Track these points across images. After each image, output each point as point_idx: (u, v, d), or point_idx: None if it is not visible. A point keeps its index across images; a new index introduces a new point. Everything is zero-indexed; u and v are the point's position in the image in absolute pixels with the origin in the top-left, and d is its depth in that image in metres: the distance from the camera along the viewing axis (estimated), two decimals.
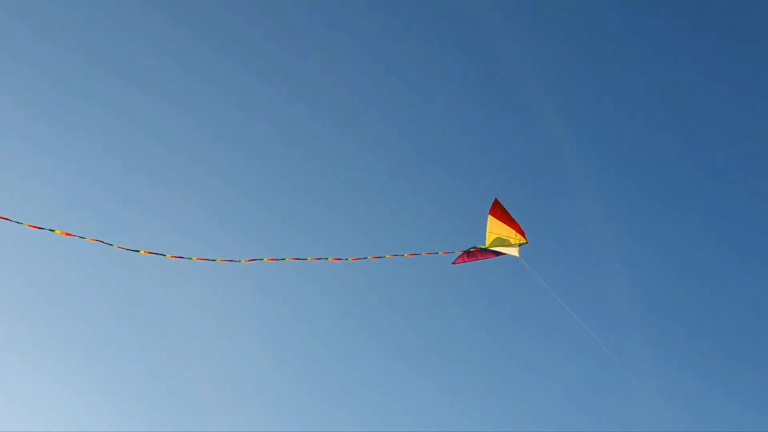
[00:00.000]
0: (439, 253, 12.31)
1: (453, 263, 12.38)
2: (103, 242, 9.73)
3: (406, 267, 20.05)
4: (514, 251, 12.40)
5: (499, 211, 12.41)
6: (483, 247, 12.45)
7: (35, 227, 9.25)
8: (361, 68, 21.20)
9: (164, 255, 10.15)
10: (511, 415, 19.73)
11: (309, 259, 11.41)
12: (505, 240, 12.43)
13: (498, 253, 12.48)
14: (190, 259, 10.60)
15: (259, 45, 20.77)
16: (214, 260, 10.70)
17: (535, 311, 20.30)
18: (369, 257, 11.88)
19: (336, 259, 11.64)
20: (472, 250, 12.45)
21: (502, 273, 20.03)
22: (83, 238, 9.48)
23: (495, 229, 12.44)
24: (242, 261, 10.92)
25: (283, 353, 20.40)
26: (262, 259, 11.04)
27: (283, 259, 11.19)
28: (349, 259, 11.75)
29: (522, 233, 12.38)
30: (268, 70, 20.69)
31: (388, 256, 12.03)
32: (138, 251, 10.07)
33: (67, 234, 9.40)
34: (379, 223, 21.23)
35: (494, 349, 20.51)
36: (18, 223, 9.16)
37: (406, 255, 12.10)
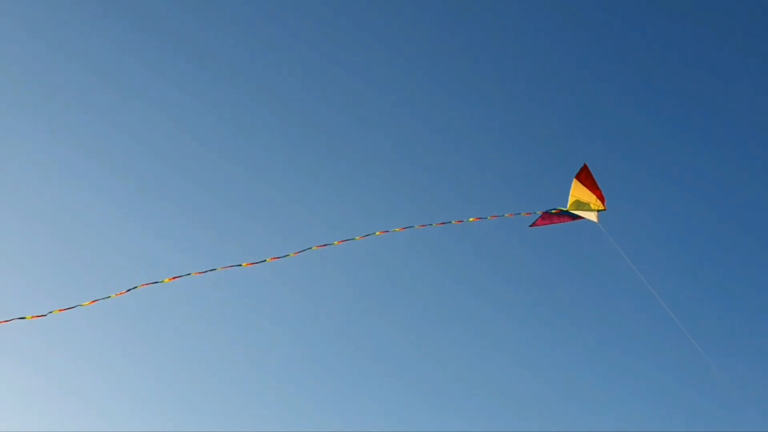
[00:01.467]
0: (522, 213, 12.84)
1: (530, 226, 12.87)
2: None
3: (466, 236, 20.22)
4: (592, 216, 12.81)
5: (584, 175, 12.70)
6: (563, 209, 12.91)
7: None
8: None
9: (162, 281, 10.16)
10: (582, 393, 20.08)
11: (396, 230, 12.12)
12: (586, 204, 12.83)
13: (576, 217, 12.92)
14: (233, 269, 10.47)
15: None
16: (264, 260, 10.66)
17: (611, 285, 20.41)
18: (453, 221, 12.55)
19: (422, 225, 12.33)
20: (553, 211, 12.91)
21: (578, 242, 19.98)
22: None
23: (577, 193, 12.77)
24: (336, 243, 11.44)
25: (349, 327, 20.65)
26: (289, 255, 10.98)
27: (373, 233, 11.66)
28: (434, 224, 12.44)
29: (602, 199, 12.75)
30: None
31: (470, 219, 12.65)
32: (159, 280, 10.13)
33: None
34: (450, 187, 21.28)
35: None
36: None
37: (489, 218, 12.67)
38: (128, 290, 10.11)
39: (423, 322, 20.78)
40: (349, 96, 21.42)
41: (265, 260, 10.57)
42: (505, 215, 12.77)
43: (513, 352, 20.45)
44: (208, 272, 10.38)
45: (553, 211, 12.90)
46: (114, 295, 10.06)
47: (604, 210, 12.73)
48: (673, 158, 21.28)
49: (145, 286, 10.17)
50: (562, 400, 19.87)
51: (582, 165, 12.80)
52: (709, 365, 14.18)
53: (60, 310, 9.68)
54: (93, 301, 9.94)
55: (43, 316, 9.53)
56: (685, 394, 19.64)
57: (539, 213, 12.89)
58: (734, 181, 21.13)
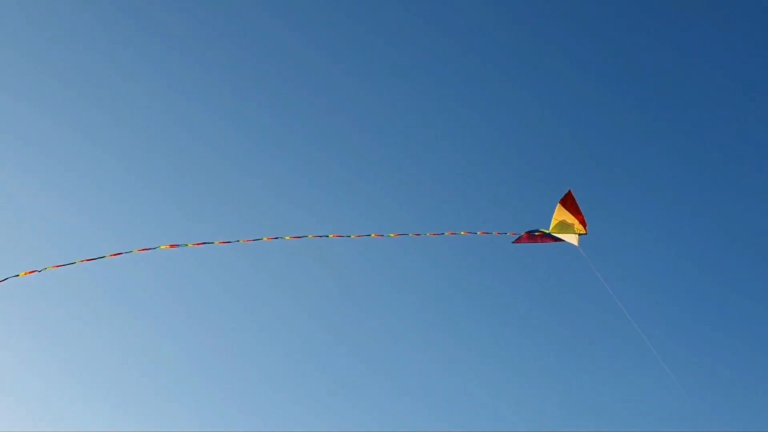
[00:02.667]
0: (508, 233, 13.74)
1: (513, 242, 13.77)
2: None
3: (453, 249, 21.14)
4: (573, 239, 13.74)
5: (569, 201, 13.65)
6: (546, 231, 13.80)
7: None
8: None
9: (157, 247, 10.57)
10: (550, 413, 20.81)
11: (391, 235, 12.96)
12: (569, 227, 13.73)
13: (557, 239, 13.80)
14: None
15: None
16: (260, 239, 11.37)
17: (587, 308, 21.27)
18: (445, 233, 13.43)
19: (416, 234, 13.21)
20: (536, 233, 13.80)
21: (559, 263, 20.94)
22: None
23: (561, 216, 13.72)
24: (330, 236, 12.29)
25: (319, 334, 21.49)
26: (307, 236, 11.92)
27: (326, 235, 12.21)
28: (428, 234, 13.33)
29: (584, 224, 13.66)
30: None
31: (462, 233, 13.53)
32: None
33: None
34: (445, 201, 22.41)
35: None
36: None
37: (479, 233, 13.57)
38: (123, 253, 10.43)
39: (406, 321, 21.80)
40: (367, 109, 22.71)
41: (261, 239, 11.13)
42: (493, 233, 13.65)
43: (490, 361, 21.40)
44: (206, 245, 10.84)
45: (536, 234, 13.77)
46: (109, 255, 10.33)
47: (586, 234, 13.61)
48: (654, 185, 22.34)
49: (141, 251, 10.53)
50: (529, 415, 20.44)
51: (567, 191, 13.72)
52: (680, 390, 14.79)
53: (53, 267, 9.82)
54: (88, 260, 10.15)
55: (36, 272, 9.66)
56: (656, 417, 20.22)
57: (523, 234, 13.77)
58: (713, 211, 22.15)
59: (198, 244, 10.78)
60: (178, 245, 10.56)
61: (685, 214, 22.20)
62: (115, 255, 10.30)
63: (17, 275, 9.50)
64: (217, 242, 10.86)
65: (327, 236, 11.87)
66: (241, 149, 21.92)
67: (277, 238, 11.30)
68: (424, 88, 22.74)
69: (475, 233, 13.64)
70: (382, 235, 12.74)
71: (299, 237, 11.54)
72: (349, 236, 12.30)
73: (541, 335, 21.43)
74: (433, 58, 22.56)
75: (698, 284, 21.87)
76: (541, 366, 21.11)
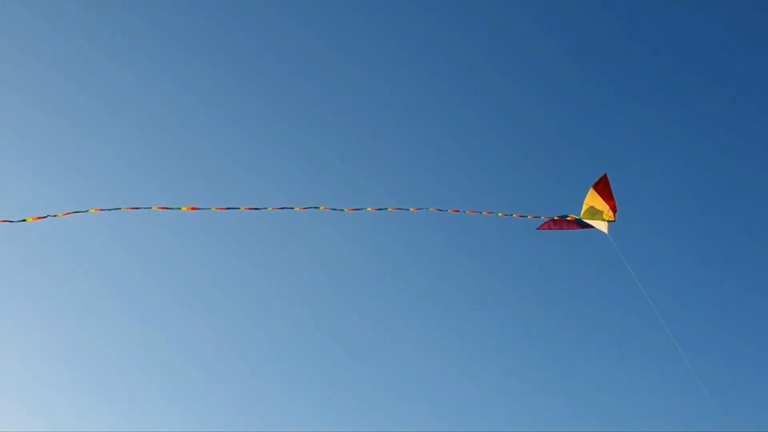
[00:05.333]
0: (529, 216, 13.37)
1: (538, 228, 13.28)
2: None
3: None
4: (603, 226, 13.17)
5: (602, 185, 13.12)
6: (577, 217, 13.36)
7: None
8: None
9: (177, 208, 10.59)
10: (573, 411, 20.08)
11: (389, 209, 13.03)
12: (598, 213, 13.22)
13: (585, 226, 13.33)
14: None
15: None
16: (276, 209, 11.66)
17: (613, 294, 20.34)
18: (467, 212, 13.42)
19: (436, 209, 13.26)
20: (568, 218, 13.40)
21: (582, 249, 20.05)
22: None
23: (592, 201, 13.20)
24: (346, 210, 12.32)
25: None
26: (344, 210, 12.18)
27: (365, 208, 12.45)
28: (449, 210, 13.39)
29: (614, 210, 13.09)
30: None
31: (484, 213, 13.44)
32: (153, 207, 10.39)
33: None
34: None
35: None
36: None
37: (499, 214, 13.42)
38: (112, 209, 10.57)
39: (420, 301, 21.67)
40: (389, 91, 22.65)
41: (267, 208, 11.08)
42: (529, 217, 13.33)
43: (505, 351, 21.20)
44: (204, 210, 10.79)
45: (565, 219, 13.37)
46: (92, 210, 10.47)
47: (614, 221, 13.07)
48: (685, 175, 21.75)
49: (160, 209, 10.60)
50: (545, 401, 20.35)
51: (603, 174, 13.23)
52: (701, 386, 14.11)
53: (63, 215, 10.11)
54: (68, 213, 10.25)
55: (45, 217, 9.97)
56: (674, 407, 19.43)
57: (555, 218, 13.41)
58: (744, 201, 21.33)
59: (222, 208, 10.86)
60: (199, 208, 10.63)
61: (723, 204, 20.88)
62: (132, 209, 10.52)
63: (24, 220, 9.83)
64: (213, 208, 10.78)
65: (342, 210, 12.12)
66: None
67: (284, 207, 11.31)
68: (455, 62, 22.39)
69: (511, 215, 13.39)
70: (402, 209, 12.79)
71: (309, 208, 11.62)
72: (365, 209, 12.47)
73: (560, 324, 20.95)
74: (461, 30, 22.24)
75: (724, 275, 20.79)
76: (560, 357, 20.69)
